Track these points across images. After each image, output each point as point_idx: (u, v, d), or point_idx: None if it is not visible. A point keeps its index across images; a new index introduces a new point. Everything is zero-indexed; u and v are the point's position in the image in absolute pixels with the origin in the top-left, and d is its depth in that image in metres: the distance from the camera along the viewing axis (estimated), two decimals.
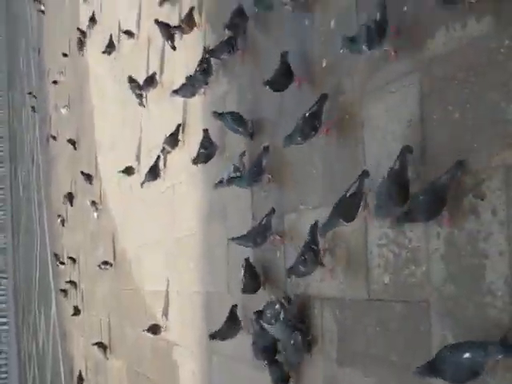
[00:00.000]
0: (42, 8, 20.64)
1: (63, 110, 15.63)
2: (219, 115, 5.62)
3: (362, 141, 4.03)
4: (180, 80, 6.83)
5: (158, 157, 7.79)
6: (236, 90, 5.82)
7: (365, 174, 3.86)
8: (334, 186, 4.31)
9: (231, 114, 5.53)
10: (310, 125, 4.25)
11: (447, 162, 3.27)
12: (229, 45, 5.40)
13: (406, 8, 3.68)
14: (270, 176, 5.05)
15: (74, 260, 14.36)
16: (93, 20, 12.30)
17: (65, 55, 15.65)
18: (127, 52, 9.75)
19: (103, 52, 10.67)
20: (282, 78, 4.57)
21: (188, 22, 6.64)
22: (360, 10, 4.10)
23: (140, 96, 8.56)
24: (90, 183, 12.23)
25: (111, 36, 10.49)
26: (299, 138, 4.33)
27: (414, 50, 3.60)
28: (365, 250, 3.97)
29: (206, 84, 6.29)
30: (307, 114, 4.26)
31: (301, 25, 4.73)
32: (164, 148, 7.40)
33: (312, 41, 4.62)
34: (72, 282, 14.39)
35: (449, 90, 3.37)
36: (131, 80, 8.66)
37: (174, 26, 6.97)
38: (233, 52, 5.44)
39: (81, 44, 13.50)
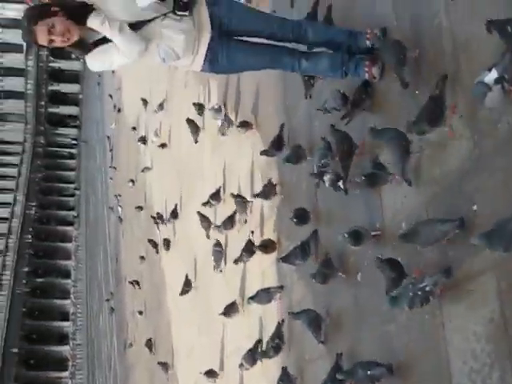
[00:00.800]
0: (120, 213, 21.67)
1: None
2: (296, 315, 5.68)
3: (444, 341, 3.96)
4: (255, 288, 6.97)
5: None
6: (311, 294, 5.90)
7: None
8: None
9: (307, 312, 5.56)
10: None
11: None
12: (302, 251, 5.55)
13: (475, 207, 3.76)
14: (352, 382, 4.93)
15: None
16: (167, 244, 12.78)
17: (142, 258, 16.16)
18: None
19: (181, 294, 10.65)
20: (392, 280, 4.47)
21: (266, 247, 6.88)
22: (430, 211, 4.21)
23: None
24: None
25: (187, 275, 10.61)
26: None
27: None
28: None
29: (281, 288, 6.42)
30: (368, 373, 4.34)
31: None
32: (242, 364, 7.35)
33: (383, 217, 4.75)
34: None
35: None
36: (217, 244, 8.73)
37: (254, 249, 7.21)
38: (306, 258, 5.58)
39: (156, 247, 14.01)
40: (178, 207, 12.08)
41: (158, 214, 13.87)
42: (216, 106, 9.00)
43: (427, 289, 3.77)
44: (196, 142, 10.61)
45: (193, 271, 10.66)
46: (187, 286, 10.58)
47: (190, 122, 10.60)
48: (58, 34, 4.13)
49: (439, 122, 3.95)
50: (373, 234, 4.74)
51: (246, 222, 7.96)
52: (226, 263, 8.68)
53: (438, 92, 3.90)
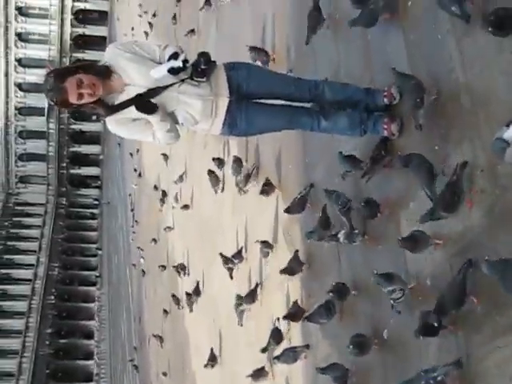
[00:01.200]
0: (142, 265, 21.56)
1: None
2: (323, 370, 5.52)
3: None
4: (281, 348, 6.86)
5: None
6: (337, 352, 5.81)
7: None
8: None
9: (334, 367, 5.42)
10: None
11: None
12: (327, 309, 5.50)
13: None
14: None
15: None
16: (191, 303, 12.56)
17: (165, 312, 16.07)
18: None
19: (205, 365, 10.54)
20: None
21: (294, 316, 6.63)
22: (454, 267, 4.16)
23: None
24: None
25: (212, 349, 10.53)
26: None
27: None
28: None
29: (307, 347, 6.35)
30: None
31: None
32: None
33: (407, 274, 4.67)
34: None
35: None
36: (239, 298, 8.56)
37: (281, 337, 7.08)
38: (331, 317, 5.51)
39: (178, 304, 13.96)
40: (201, 283, 11.97)
41: (180, 264, 13.91)
42: (234, 162, 9.00)
43: (439, 378, 3.85)
44: (217, 192, 10.65)
45: (217, 334, 10.59)
46: (212, 359, 10.47)
47: (210, 173, 10.64)
48: (86, 88, 4.30)
49: (456, 209, 3.97)
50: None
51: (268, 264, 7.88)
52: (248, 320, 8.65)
53: (455, 178, 3.91)
